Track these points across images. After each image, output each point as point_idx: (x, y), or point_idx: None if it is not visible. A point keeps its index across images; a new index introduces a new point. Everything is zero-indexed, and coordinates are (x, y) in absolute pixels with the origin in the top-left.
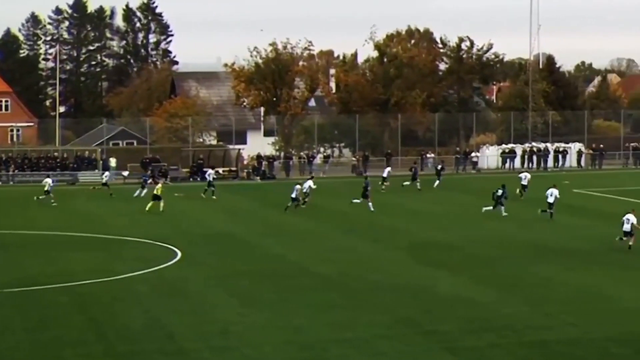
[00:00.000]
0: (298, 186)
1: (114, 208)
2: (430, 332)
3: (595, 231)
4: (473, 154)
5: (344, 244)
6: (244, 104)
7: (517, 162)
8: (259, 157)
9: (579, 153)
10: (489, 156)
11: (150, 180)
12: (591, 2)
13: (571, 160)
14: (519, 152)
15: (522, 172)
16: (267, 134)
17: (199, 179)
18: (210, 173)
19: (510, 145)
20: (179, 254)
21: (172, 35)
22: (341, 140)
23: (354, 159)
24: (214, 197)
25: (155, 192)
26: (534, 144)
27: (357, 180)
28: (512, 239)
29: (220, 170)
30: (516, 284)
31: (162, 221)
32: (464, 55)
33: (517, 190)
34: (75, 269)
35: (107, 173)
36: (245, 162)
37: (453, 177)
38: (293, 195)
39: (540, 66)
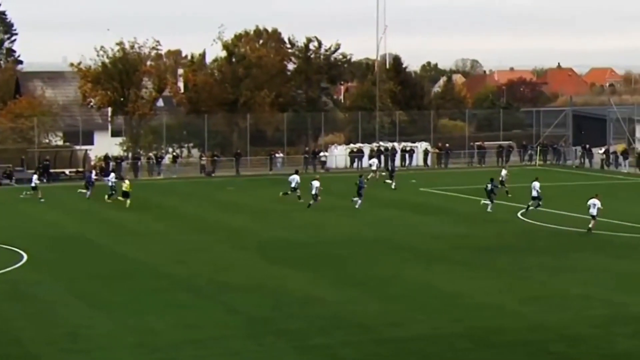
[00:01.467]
0: (299, 178)
1: None
2: (281, 331)
3: (441, 229)
4: (322, 154)
5: (194, 244)
6: (91, 104)
7: (365, 161)
8: (106, 158)
9: (426, 152)
10: (338, 156)
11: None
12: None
13: (418, 160)
14: (366, 151)
15: (502, 168)
16: (114, 134)
17: (45, 180)
18: (112, 176)
19: (358, 145)
20: (25, 256)
21: (16, 34)
22: (190, 141)
23: (203, 159)
24: (110, 200)
25: (124, 189)
26: (381, 143)
27: (206, 180)
28: (360, 238)
29: (67, 171)
30: (365, 282)
31: (7, 223)
32: (312, 56)
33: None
34: None
35: None
36: (92, 163)
37: (302, 177)
38: (295, 188)
39: (387, 66)
